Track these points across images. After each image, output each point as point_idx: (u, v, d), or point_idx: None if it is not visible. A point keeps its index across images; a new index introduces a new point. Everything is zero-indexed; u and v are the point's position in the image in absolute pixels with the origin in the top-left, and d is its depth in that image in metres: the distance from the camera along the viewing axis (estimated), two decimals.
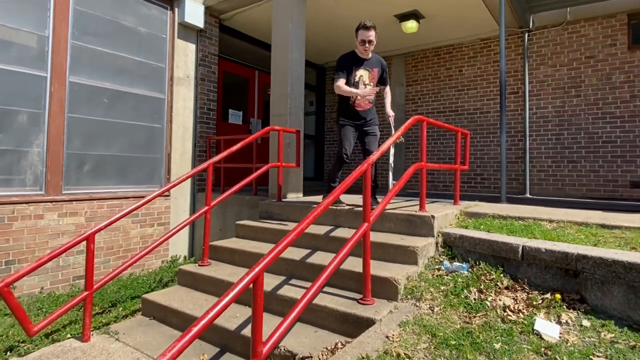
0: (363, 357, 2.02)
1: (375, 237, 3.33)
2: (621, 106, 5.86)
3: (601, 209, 4.34)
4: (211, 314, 1.65)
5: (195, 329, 1.57)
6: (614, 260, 2.37)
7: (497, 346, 2.12)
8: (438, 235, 3.42)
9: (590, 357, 2.01)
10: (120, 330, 3.00)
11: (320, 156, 9.04)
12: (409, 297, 2.79)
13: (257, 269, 1.92)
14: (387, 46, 7.50)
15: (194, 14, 5.64)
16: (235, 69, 6.99)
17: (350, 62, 3.92)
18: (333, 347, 2.36)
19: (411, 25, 6.11)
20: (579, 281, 2.54)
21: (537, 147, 6.57)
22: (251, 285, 1.90)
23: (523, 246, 2.83)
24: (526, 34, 6.50)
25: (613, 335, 2.19)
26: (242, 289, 1.83)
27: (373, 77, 4.00)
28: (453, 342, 2.15)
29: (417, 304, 2.69)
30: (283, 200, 4.67)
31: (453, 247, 3.33)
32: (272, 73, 5.08)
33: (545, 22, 6.33)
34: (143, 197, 5.25)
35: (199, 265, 3.71)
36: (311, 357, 2.32)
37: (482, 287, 2.75)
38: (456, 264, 3.08)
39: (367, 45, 3.80)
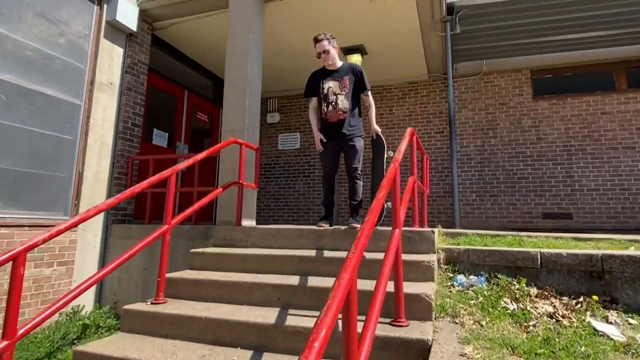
0: None
1: (376, 257, 2.94)
2: (530, 147, 6.75)
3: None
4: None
5: None
6: None
7: (583, 349, 1.88)
8: (439, 252, 3.19)
9: None
10: None
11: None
12: (442, 314, 2.42)
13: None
14: None
15: (127, 14, 4.86)
16: (164, 85, 6.17)
17: (317, 77, 3.87)
18: None
19: (356, 59, 6.26)
20: (606, 282, 2.52)
21: (463, 182, 7.08)
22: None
23: (541, 252, 2.75)
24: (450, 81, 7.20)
25: None
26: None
27: (344, 86, 3.82)
28: (540, 351, 1.84)
29: (456, 320, 2.34)
30: (243, 226, 3.98)
31: (457, 262, 3.12)
32: (226, 85, 4.53)
33: (465, 72, 7.14)
34: (42, 226, 4.01)
35: (153, 303, 2.77)
36: None
37: (516, 296, 2.55)
38: (473, 277, 2.85)
39: (323, 55, 3.80)
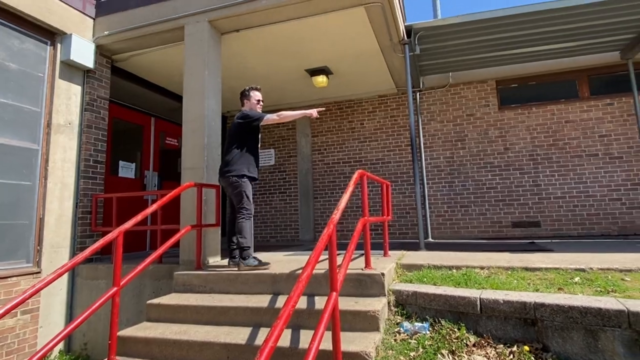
0: None
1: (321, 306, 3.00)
2: (498, 157, 6.85)
3: (507, 250, 4.80)
4: None
5: None
6: (570, 306, 2.50)
7: None
8: (389, 294, 3.27)
9: None
10: None
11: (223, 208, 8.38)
12: None
13: None
14: (294, 98, 7.58)
15: (82, 52, 4.81)
16: (128, 116, 6.14)
17: None
18: None
19: (322, 80, 6.29)
20: (539, 329, 2.61)
21: (434, 194, 7.18)
22: None
23: (481, 299, 2.84)
24: (417, 94, 7.27)
25: None
26: None
27: None
28: None
29: None
30: (203, 267, 4.02)
31: (406, 305, 3.20)
32: (184, 122, 4.54)
33: (432, 84, 7.20)
34: (1, 278, 4.02)
35: None
36: None
37: (453, 347, 2.63)
38: (417, 324, 2.93)
39: (262, 102, 4.10)
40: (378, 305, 2.96)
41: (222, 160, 3.93)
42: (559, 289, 3.08)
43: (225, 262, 4.47)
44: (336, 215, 2.64)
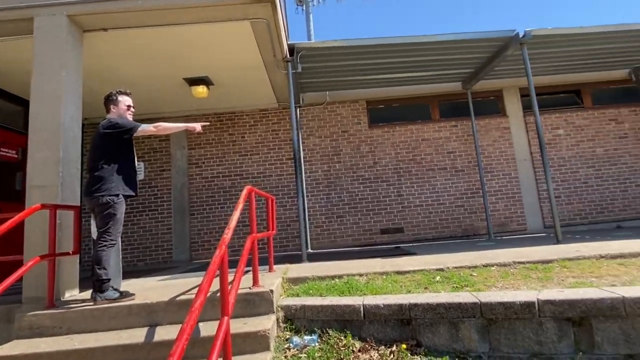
0: None
1: (213, 329, 2.83)
2: (368, 170, 7.52)
3: (379, 255, 5.28)
4: None
5: None
6: (438, 303, 2.86)
7: None
8: (278, 310, 3.25)
9: None
10: None
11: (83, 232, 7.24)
12: None
13: None
14: (171, 108, 7.08)
15: None
16: None
17: None
18: None
19: (202, 90, 6.00)
20: (413, 327, 2.92)
21: (313, 206, 7.48)
22: None
23: (363, 305, 3.03)
24: (297, 109, 7.52)
25: None
26: None
27: None
28: None
29: None
30: (58, 304, 3.37)
31: (294, 319, 3.22)
32: (31, 131, 3.78)
33: (311, 101, 7.55)
34: None
35: None
36: None
37: (341, 356, 2.74)
38: (306, 337, 2.98)
39: (133, 109, 3.70)
40: (268, 323, 2.91)
41: (89, 177, 3.35)
42: (425, 288, 3.51)
43: (87, 295, 3.85)
44: (228, 234, 2.53)
